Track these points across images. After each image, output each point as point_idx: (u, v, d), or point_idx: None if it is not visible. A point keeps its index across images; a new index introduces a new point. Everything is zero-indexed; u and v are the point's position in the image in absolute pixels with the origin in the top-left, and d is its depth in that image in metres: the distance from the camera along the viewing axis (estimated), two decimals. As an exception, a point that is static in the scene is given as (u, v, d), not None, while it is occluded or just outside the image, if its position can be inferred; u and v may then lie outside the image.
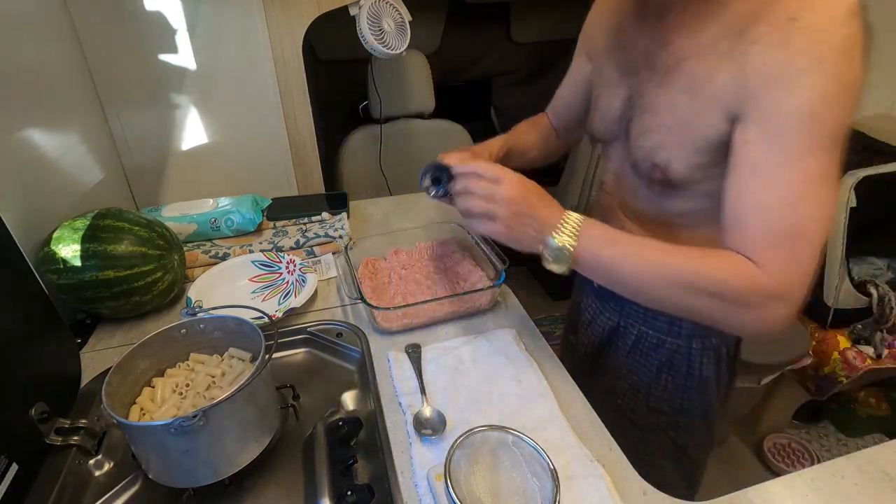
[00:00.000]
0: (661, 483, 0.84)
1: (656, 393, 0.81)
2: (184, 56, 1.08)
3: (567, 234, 0.58)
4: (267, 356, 0.57)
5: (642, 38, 0.65)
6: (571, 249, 0.57)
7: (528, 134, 0.91)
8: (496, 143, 0.83)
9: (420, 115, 1.73)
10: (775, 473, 1.54)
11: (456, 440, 0.53)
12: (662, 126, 0.61)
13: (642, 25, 0.65)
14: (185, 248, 0.92)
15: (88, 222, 0.77)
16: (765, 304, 0.53)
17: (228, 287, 0.90)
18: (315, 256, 1.00)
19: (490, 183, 0.61)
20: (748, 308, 0.54)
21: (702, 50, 0.56)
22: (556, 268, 0.59)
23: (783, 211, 0.53)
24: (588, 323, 0.89)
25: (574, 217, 0.59)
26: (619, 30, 0.70)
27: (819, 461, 1.40)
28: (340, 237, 1.02)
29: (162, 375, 0.63)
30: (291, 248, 1.00)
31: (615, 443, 0.61)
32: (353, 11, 1.14)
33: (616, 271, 0.58)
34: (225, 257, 0.96)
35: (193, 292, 0.84)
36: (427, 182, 0.69)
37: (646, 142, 0.64)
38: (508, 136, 0.87)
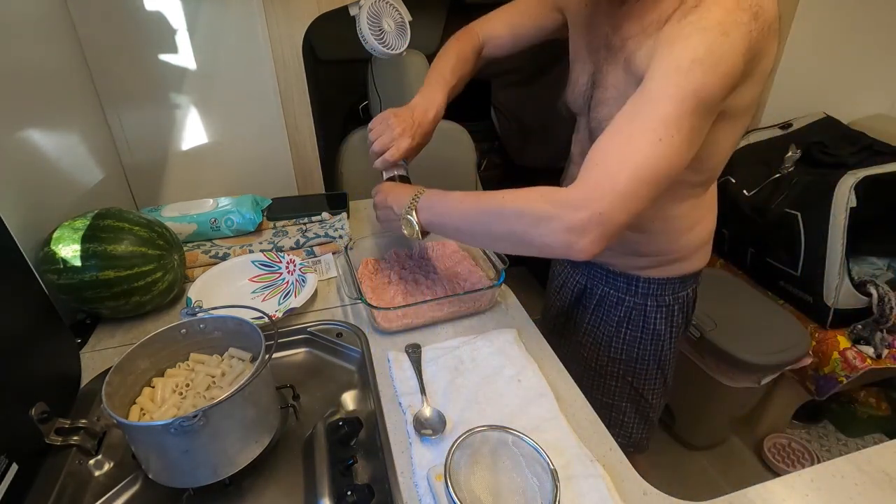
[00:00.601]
0: (621, 421, 0.99)
1: (616, 345, 0.92)
2: (184, 56, 1.08)
3: (411, 208, 0.72)
4: (267, 356, 0.57)
5: (604, 22, 0.73)
6: (414, 217, 0.72)
7: (461, 76, 0.91)
8: (435, 106, 0.86)
9: (420, 115, 1.72)
10: (775, 473, 1.54)
11: (456, 440, 0.53)
12: (609, 98, 0.72)
13: (608, 10, 0.73)
14: (185, 248, 0.92)
15: (88, 222, 0.77)
16: (562, 212, 0.59)
17: (228, 287, 0.90)
18: (315, 256, 1.00)
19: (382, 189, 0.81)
20: (549, 219, 0.60)
21: (638, 32, 0.66)
22: (408, 232, 0.74)
23: (614, 139, 0.60)
24: (560, 287, 1.01)
25: (418, 193, 0.73)
26: (593, 8, 0.76)
27: (819, 461, 1.40)
28: (340, 237, 1.02)
29: (162, 375, 0.63)
30: (291, 248, 1.00)
31: (615, 443, 0.61)
32: (353, 11, 1.14)
33: (448, 219, 0.70)
34: (225, 257, 0.96)
35: (193, 292, 0.84)
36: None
37: (598, 113, 0.74)
38: (444, 87, 0.88)
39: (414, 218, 0.72)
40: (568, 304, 1.00)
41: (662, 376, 0.95)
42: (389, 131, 0.83)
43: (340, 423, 0.65)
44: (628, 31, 0.68)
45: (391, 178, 0.86)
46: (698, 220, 0.82)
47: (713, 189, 0.83)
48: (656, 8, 0.64)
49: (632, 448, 1.00)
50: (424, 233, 0.73)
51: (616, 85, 0.70)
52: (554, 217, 0.59)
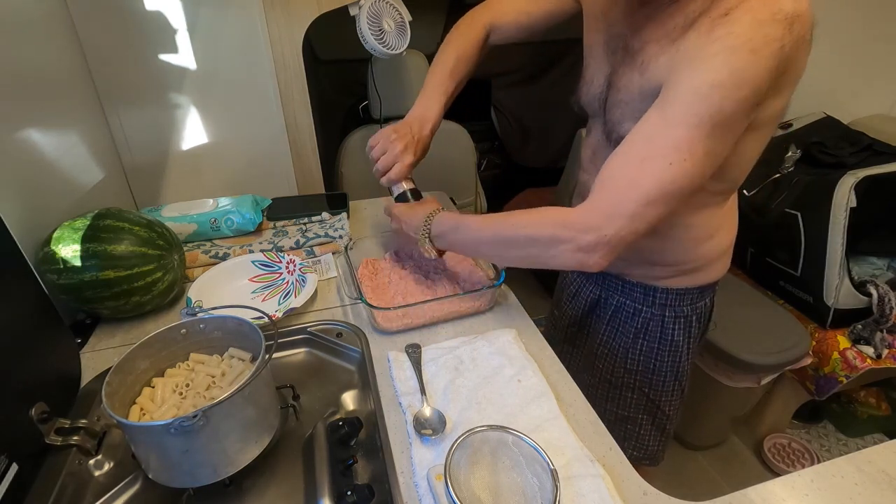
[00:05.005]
0: (637, 433, 0.97)
1: (632, 356, 0.90)
2: (184, 56, 1.08)
3: (424, 236, 0.78)
4: (267, 356, 0.57)
5: (624, 23, 0.70)
6: (428, 244, 0.78)
7: (462, 78, 0.90)
8: (432, 119, 0.87)
9: (420, 115, 1.73)
10: (775, 473, 1.54)
11: (456, 440, 0.53)
12: (622, 101, 0.70)
13: (628, 9, 0.70)
14: (185, 248, 0.92)
15: (88, 222, 0.77)
16: (573, 236, 0.62)
17: (228, 287, 0.90)
18: (315, 256, 1.00)
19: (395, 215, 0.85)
20: (559, 242, 0.63)
21: (661, 36, 0.63)
22: (425, 247, 0.79)
23: (625, 160, 0.61)
24: (573, 295, 0.99)
25: (429, 217, 0.78)
26: (612, 9, 0.74)
27: (819, 461, 1.40)
28: (340, 237, 1.02)
29: (162, 375, 0.63)
30: (291, 248, 1.00)
31: (615, 443, 0.61)
32: (353, 11, 1.14)
33: (462, 247, 0.77)
34: (225, 257, 0.96)
35: (193, 292, 0.84)
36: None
37: (613, 115, 0.72)
38: (442, 96, 0.88)
39: (429, 244, 0.78)
40: (581, 314, 0.96)
41: (680, 387, 0.92)
42: (392, 149, 0.84)
43: (340, 423, 0.65)
44: (649, 35, 0.64)
45: (401, 195, 0.87)
46: (717, 228, 0.80)
47: (734, 198, 0.81)
48: (681, 12, 0.61)
49: (647, 461, 0.97)
50: (441, 252, 0.80)
51: (628, 87, 0.68)
52: (564, 240, 0.63)
